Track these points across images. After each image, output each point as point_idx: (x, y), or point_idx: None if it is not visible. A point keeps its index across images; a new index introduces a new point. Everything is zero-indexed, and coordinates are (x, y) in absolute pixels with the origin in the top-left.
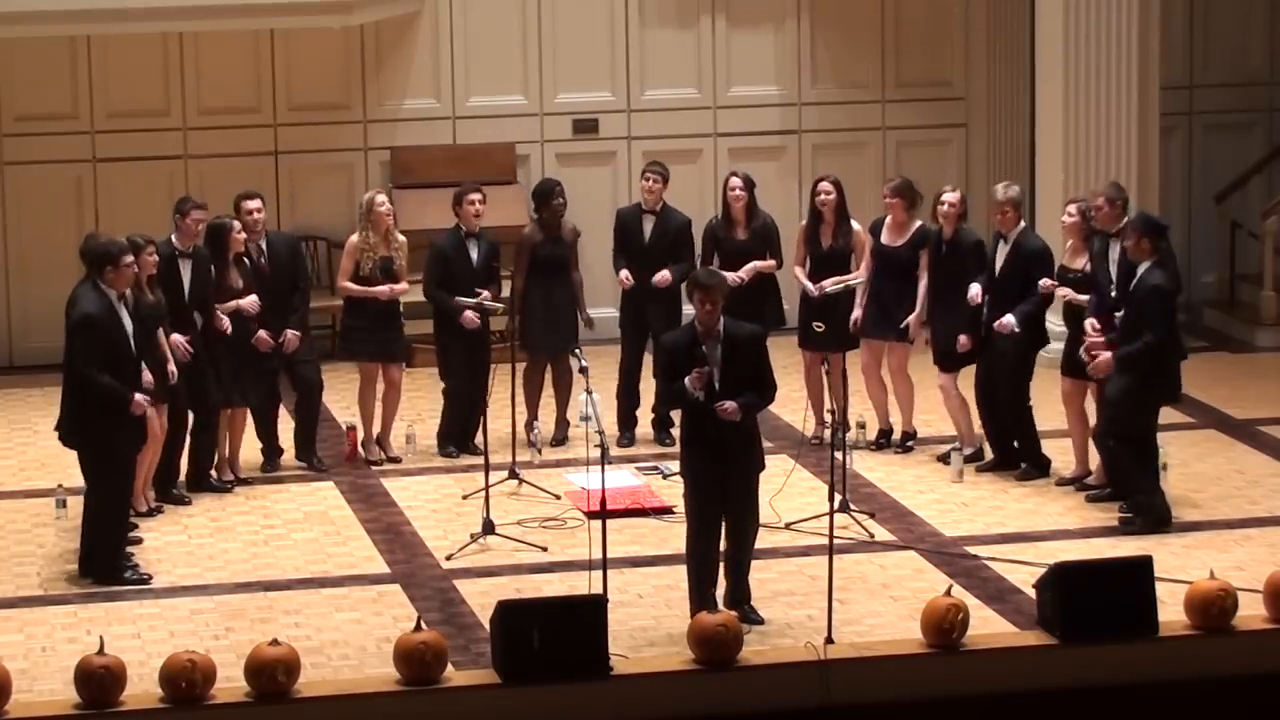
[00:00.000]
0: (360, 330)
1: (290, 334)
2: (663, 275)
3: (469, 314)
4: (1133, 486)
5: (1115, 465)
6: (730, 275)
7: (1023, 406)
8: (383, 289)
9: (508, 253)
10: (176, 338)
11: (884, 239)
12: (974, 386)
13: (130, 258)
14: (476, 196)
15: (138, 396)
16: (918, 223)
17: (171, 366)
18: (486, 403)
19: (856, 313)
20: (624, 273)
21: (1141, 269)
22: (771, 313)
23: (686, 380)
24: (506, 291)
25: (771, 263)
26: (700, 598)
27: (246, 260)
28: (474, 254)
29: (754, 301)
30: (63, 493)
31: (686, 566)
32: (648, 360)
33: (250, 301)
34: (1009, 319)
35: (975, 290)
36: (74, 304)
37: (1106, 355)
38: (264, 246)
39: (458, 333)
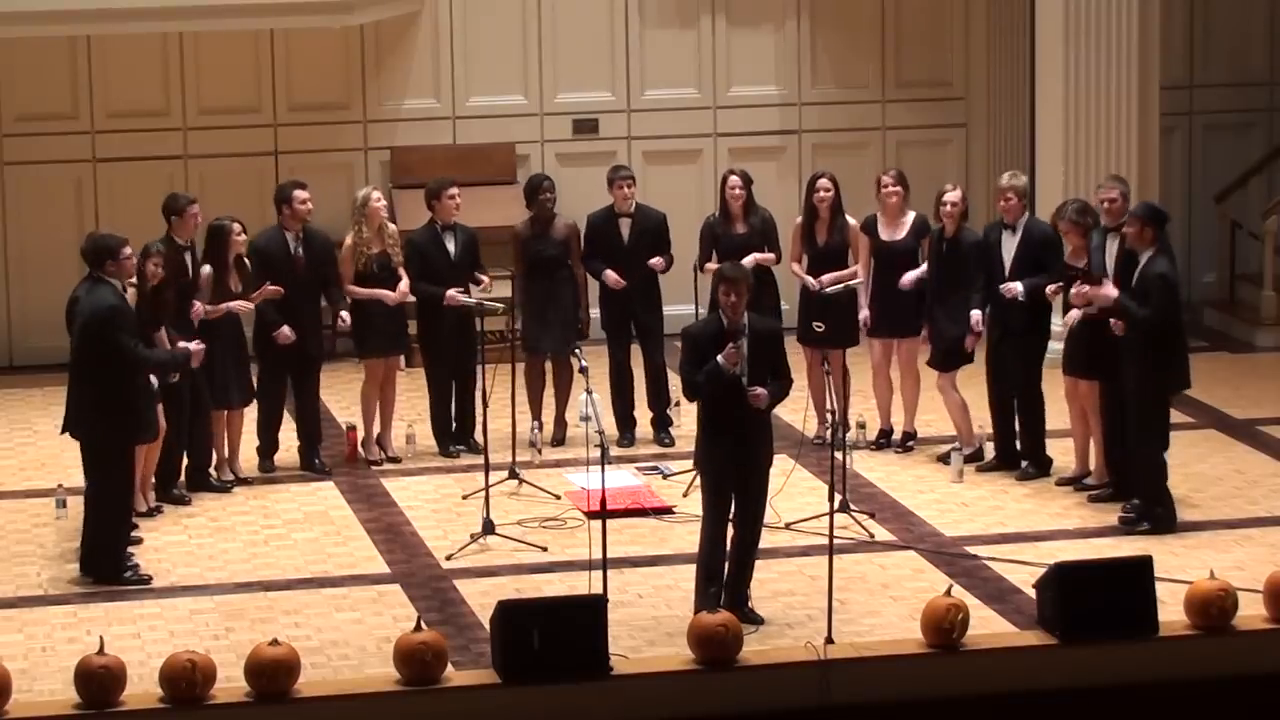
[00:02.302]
0: (372, 330)
1: (345, 315)
2: (657, 260)
3: (452, 292)
4: (1157, 498)
5: (1147, 475)
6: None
7: (1035, 401)
8: (390, 294)
9: (495, 250)
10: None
11: (883, 235)
12: (987, 384)
13: (129, 250)
14: (455, 190)
15: (191, 346)
16: (912, 213)
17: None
18: (487, 402)
19: (864, 314)
20: (612, 274)
21: (1144, 258)
22: (768, 307)
23: (720, 358)
24: (498, 288)
25: (771, 255)
26: (705, 595)
27: (247, 261)
28: (451, 246)
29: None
30: (63, 493)
31: (697, 561)
32: (638, 361)
33: (240, 305)
34: (1017, 285)
35: (1018, 288)
36: (79, 303)
37: (1111, 290)
38: (301, 236)
39: (443, 328)
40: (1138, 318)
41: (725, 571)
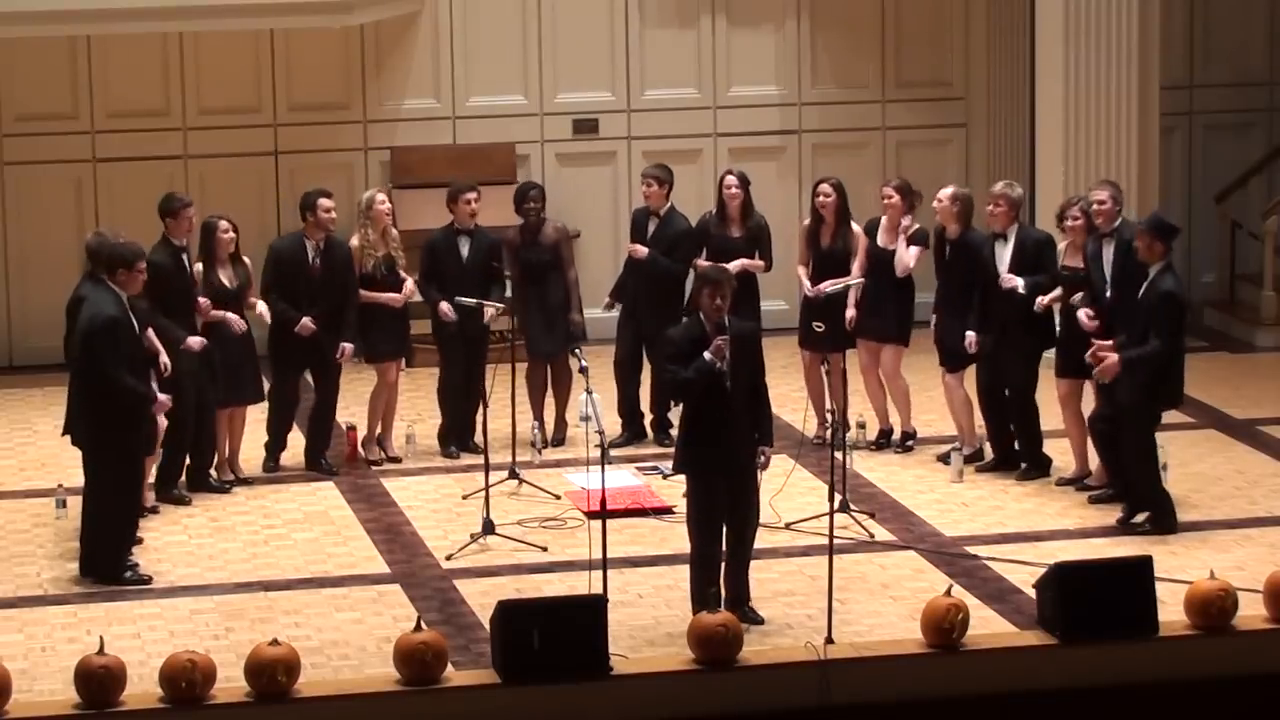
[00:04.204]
0: (380, 332)
1: (347, 347)
2: (636, 249)
3: (444, 306)
4: (1149, 500)
5: (1133, 479)
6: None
7: (1029, 404)
8: (395, 296)
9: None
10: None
11: (880, 240)
12: (976, 384)
13: (144, 264)
14: (473, 195)
15: (160, 397)
16: (916, 225)
17: (164, 359)
18: (486, 402)
19: (851, 312)
20: (614, 305)
21: (1153, 272)
22: (746, 314)
23: (707, 353)
24: (509, 291)
25: (760, 263)
26: (702, 597)
27: (247, 260)
28: (464, 251)
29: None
30: (63, 493)
31: (690, 566)
32: (645, 363)
33: (236, 319)
34: (1017, 279)
35: (1018, 281)
36: (81, 304)
37: (1114, 358)
38: (321, 246)
39: (456, 328)
40: (1150, 358)
41: (722, 570)
